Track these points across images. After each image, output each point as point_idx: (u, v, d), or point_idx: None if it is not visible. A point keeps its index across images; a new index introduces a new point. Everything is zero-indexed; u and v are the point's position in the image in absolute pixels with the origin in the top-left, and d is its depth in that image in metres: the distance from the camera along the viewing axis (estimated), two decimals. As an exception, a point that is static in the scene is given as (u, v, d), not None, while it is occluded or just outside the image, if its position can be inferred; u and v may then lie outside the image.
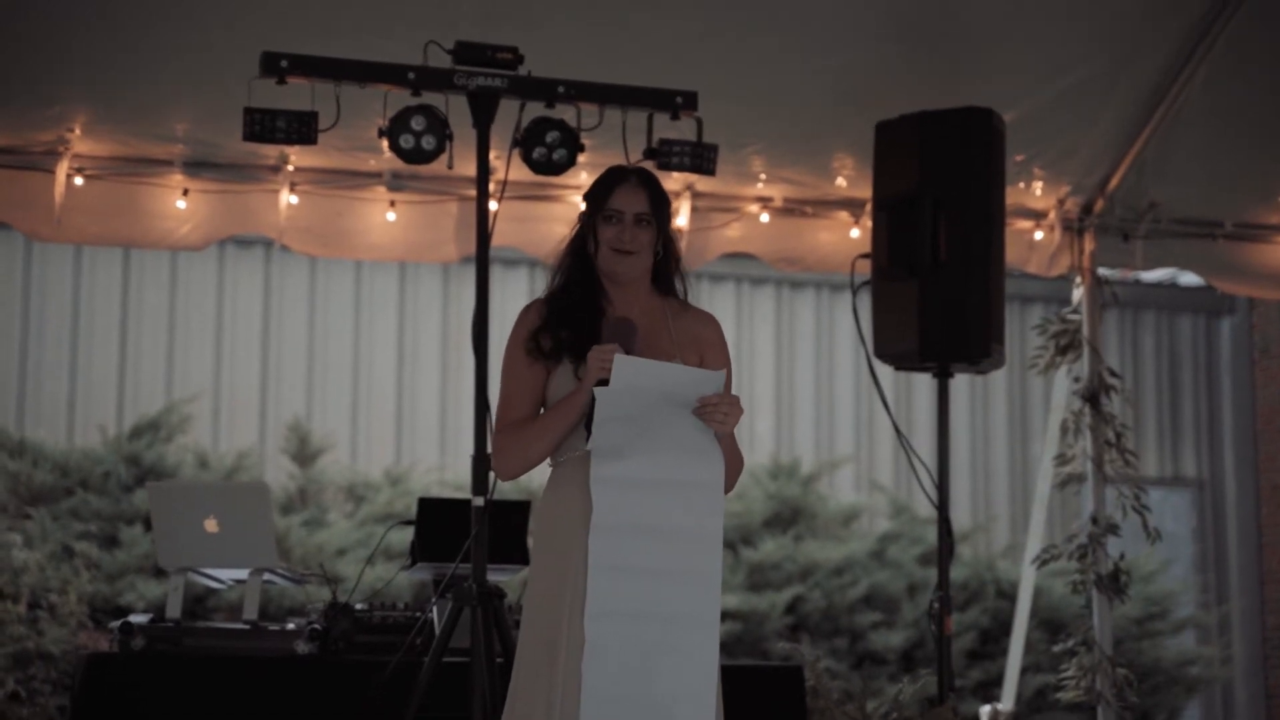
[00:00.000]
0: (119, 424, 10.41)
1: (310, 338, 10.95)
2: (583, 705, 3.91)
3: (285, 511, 10.18)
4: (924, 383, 11.22)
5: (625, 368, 3.97)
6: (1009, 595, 10.38)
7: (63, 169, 6.64)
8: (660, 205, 4.23)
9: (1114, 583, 7.16)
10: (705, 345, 4.25)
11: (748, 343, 11.68)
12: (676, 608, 3.98)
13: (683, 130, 5.42)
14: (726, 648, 4.03)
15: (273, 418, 10.77)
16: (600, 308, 4.19)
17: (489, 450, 4.91)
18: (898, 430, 6.75)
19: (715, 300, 11.55)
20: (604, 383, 4.00)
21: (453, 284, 11.03)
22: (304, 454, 10.53)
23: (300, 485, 10.45)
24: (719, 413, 4.02)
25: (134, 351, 10.67)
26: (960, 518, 11.62)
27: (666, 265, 4.28)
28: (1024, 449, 12.23)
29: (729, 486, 4.16)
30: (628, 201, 4.19)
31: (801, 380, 11.87)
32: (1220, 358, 12.94)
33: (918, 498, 10.91)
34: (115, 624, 5.46)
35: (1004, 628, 9.96)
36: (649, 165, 5.22)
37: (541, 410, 4.19)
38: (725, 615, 9.81)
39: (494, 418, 4.25)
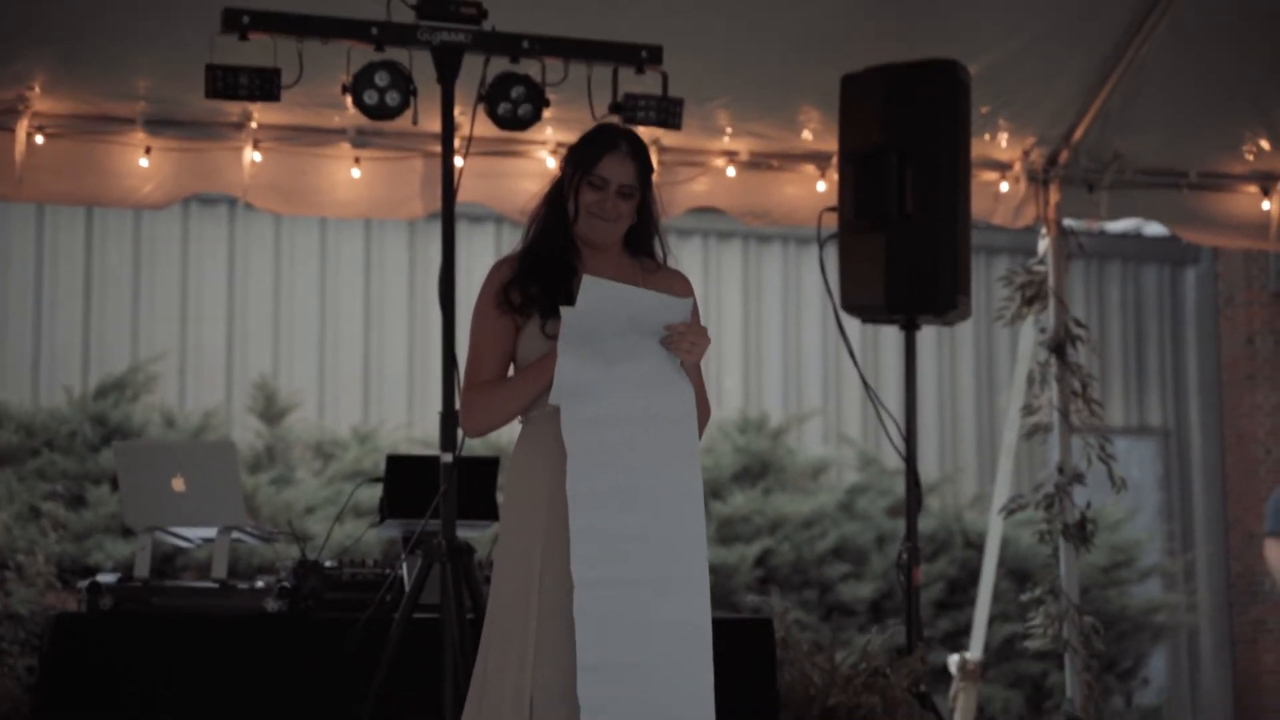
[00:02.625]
0: (85, 384, 10.36)
1: (276, 295, 10.90)
2: (578, 636, 3.89)
3: (253, 470, 10.16)
4: (891, 335, 11.24)
5: (592, 289, 3.95)
6: (976, 545, 10.44)
7: (23, 127, 6.58)
8: (646, 176, 4.19)
9: (1080, 532, 7.20)
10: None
11: (715, 297, 11.68)
12: (662, 534, 4.01)
13: (648, 84, 5.41)
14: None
15: (239, 376, 10.74)
16: (572, 265, 4.17)
17: (457, 407, 4.92)
18: (865, 382, 6.77)
19: (682, 255, 11.47)
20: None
21: (419, 240, 10.99)
22: (271, 412, 10.50)
23: (268, 443, 10.42)
24: (685, 341, 4.02)
25: (99, 311, 10.62)
26: (928, 469, 11.66)
27: (644, 228, 4.25)
28: (991, 400, 12.27)
29: (697, 433, 4.17)
30: (614, 171, 4.14)
31: (769, 334, 11.88)
32: (1185, 307, 12.99)
33: (886, 450, 10.95)
34: (83, 584, 5.45)
35: (972, 577, 10.01)
36: (615, 120, 5.21)
37: (511, 366, 4.18)
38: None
39: (463, 374, 4.23)
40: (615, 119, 5.33)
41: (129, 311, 10.65)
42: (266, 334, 10.87)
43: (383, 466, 5.92)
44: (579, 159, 4.18)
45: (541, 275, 4.15)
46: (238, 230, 10.78)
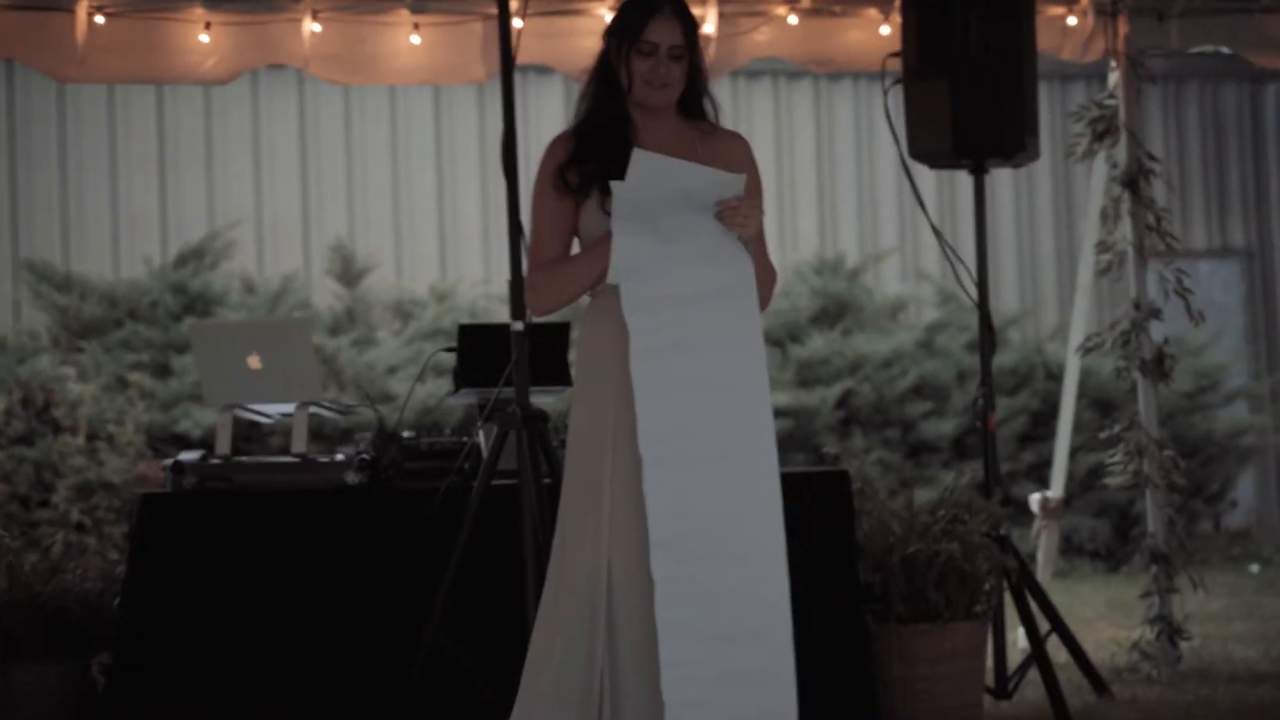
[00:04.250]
0: (164, 254, 10.47)
1: (348, 157, 10.94)
2: (650, 513, 3.93)
3: (334, 332, 10.26)
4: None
5: (642, 163, 3.95)
6: (1058, 377, 10.40)
7: (83, 8, 6.57)
8: (693, 35, 4.17)
9: (1158, 367, 7.14)
10: (735, 165, 4.22)
11: (787, 138, 11.59)
12: (727, 410, 4.01)
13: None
14: (778, 446, 4.05)
15: (316, 240, 10.82)
16: (627, 138, 4.15)
17: (524, 273, 4.93)
18: (936, 232, 6.73)
19: (753, 97, 11.43)
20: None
21: (488, 96, 10.94)
22: (349, 274, 10.59)
23: (347, 305, 10.52)
24: (739, 215, 4.01)
25: (174, 181, 10.70)
26: (1007, 302, 11.61)
27: (694, 90, 4.23)
28: (1070, 231, 12.16)
29: (763, 301, 4.16)
30: (662, 34, 4.12)
31: (843, 174, 11.79)
32: (1266, 124, 12.77)
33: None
34: (166, 463, 5.54)
35: (1054, 410, 9.98)
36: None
37: (576, 242, 4.18)
38: (776, 413, 9.93)
39: (527, 252, 4.25)
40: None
41: (203, 180, 10.72)
42: (341, 197, 10.92)
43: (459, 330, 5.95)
44: (625, 28, 4.15)
45: (597, 152, 4.13)
46: (307, 95, 10.79)
